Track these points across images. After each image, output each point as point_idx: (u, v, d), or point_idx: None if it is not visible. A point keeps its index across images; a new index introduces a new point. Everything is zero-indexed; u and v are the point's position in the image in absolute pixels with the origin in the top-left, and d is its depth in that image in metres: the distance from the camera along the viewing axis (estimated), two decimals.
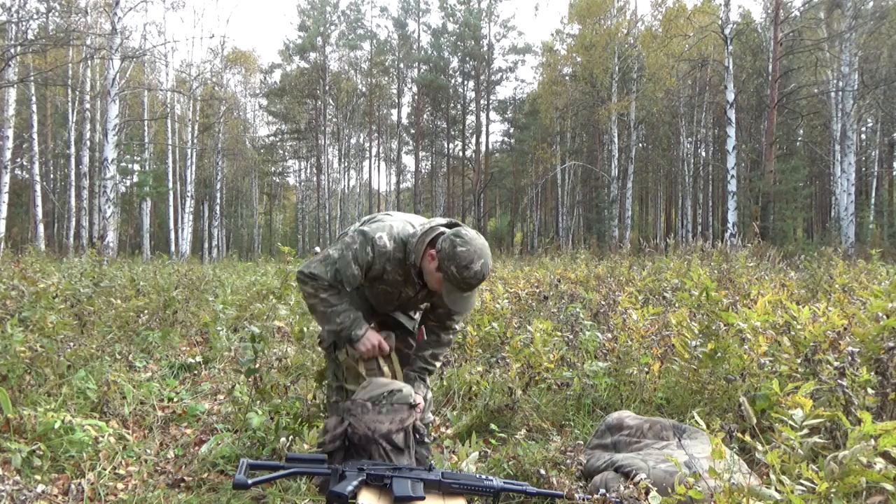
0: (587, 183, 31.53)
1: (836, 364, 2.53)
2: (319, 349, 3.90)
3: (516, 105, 37.57)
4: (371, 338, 2.33)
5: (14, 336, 3.26)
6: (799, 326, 2.96)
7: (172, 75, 25.06)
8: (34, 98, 18.18)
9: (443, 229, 2.29)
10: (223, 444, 2.97)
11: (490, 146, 38.60)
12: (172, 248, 23.90)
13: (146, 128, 25.25)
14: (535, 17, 76.89)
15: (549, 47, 31.54)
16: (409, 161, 43.77)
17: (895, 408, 2.45)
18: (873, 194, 25.52)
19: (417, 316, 2.67)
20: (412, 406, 2.25)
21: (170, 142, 24.10)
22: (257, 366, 3.11)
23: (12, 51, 13.10)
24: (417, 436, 2.31)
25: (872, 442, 1.69)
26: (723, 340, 3.02)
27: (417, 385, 2.48)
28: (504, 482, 2.13)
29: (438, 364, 2.58)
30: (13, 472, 2.49)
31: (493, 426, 3.14)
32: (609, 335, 4.04)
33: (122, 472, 2.74)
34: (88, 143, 20.79)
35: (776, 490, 1.66)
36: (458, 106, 37.33)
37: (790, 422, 1.80)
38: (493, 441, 3.06)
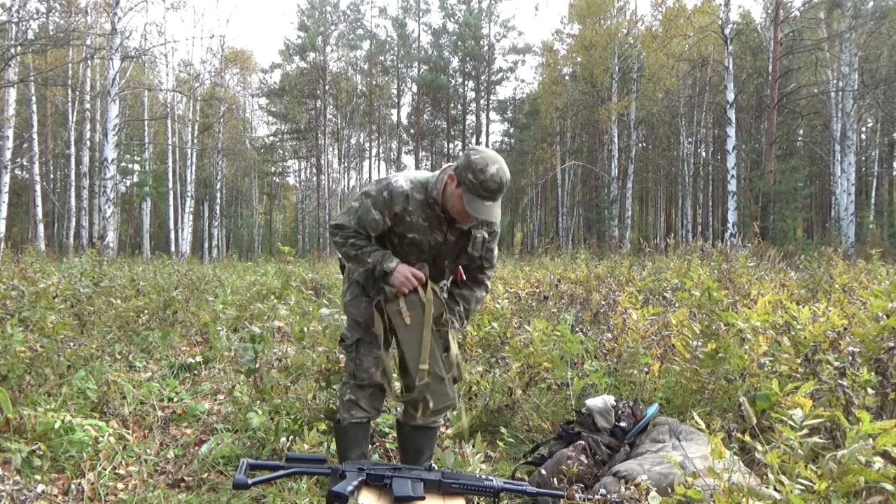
0: (587, 183, 31.50)
1: (836, 364, 2.53)
2: (319, 349, 3.91)
3: (516, 105, 37.53)
4: (403, 270, 2.33)
5: (14, 336, 3.26)
6: (799, 326, 2.96)
7: (172, 75, 25.06)
8: (34, 98, 18.15)
9: None
10: (223, 444, 2.97)
11: (490, 146, 38.59)
12: (172, 248, 23.88)
13: (146, 128, 25.22)
14: (535, 17, 76.65)
15: (549, 47, 31.52)
16: (409, 161, 43.70)
17: (895, 408, 2.45)
18: (873, 194, 25.53)
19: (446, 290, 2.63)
20: None
21: (170, 142, 24.08)
22: (257, 366, 3.11)
23: (12, 51, 13.10)
24: None
25: (871, 441, 1.69)
26: (723, 340, 3.02)
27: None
28: (504, 482, 2.13)
29: (472, 307, 2.57)
30: (13, 472, 2.49)
31: (502, 430, 3.14)
32: (609, 335, 4.04)
33: (122, 472, 2.74)
34: (88, 143, 20.78)
35: (776, 490, 1.66)
36: (458, 106, 37.30)
37: (790, 422, 1.80)
38: (500, 444, 3.07)
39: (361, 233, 2.34)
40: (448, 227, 2.35)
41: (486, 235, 2.42)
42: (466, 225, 2.34)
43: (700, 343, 3.17)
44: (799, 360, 2.79)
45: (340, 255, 2.47)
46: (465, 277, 2.53)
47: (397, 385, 2.62)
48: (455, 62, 36.04)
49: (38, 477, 2.53)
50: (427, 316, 2.34)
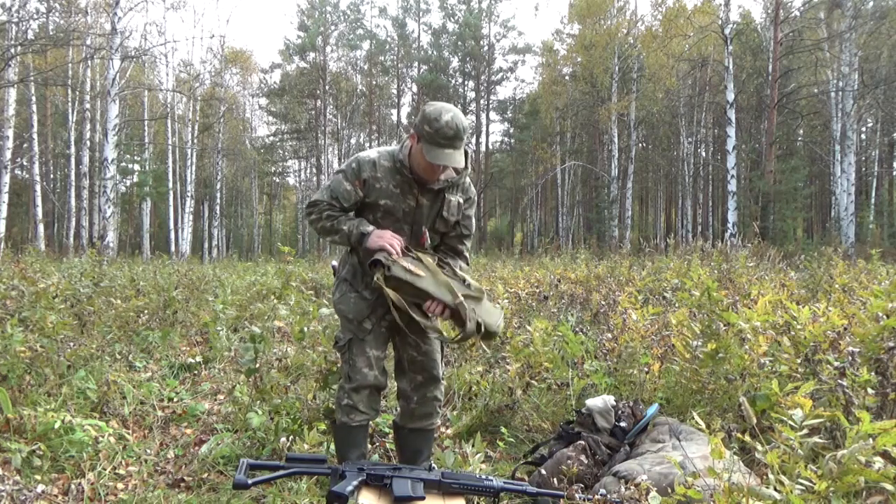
0: (587, 183, 31.51)
1: (836, 364, 2.53)
2: (319, 349, 3.91)
3: (516, 105, 37.54)
4: (380, 231, 2.33)
5: (14, 336, 3.26)
6: (799, 326, 2.96)
7: (172, 75, 25.05)
8: (34, 98, 18.15)
9: None
10: (223, 444, 2.97)
11: (490, 146, 38.60)
12: (172, 248, 23.87)
13: (146, 128, 25.22)
14: (535, 17, 76.89)
15: (549, 47, 31.53)
16: None
17: (895, 408, 2.45)
18: (873, 194, 25.55)
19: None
20: None
21: (170, 142, 24.08)
22: (257, 366, 3.11)
23: (12, 51, 13.11)
24: None
25: (871, 441, 1.69)
26: (724, 340, 3.02)
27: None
28: (504, 482, 2.13)
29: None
30: (13, 472, 2.49)
31: (502, 430, 3.14)
32: (609, 335, 4.04)
33: (122, 472, 2.74)
34: (88, 143, 20.78)
35: (776, 490, 1.66)
36: (459, 106, 37.28)
37: (790, 422, 1.80)
38: (501, 444, 3.07)
39: (335, 205, 2.40)
40: (419, 190, 2.37)
41: (462, 201, 2.43)
42: (436, 185, 2.35)
43: (700, 343, 3.17)
44: (799, 360, 2.79)
45: (316, 232, 2.50)
46: (428, 242, 2.47)
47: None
48: (455, 62, 36.05)
49: (38, 477, 2.53)
50: (430, 264, 2.34)
